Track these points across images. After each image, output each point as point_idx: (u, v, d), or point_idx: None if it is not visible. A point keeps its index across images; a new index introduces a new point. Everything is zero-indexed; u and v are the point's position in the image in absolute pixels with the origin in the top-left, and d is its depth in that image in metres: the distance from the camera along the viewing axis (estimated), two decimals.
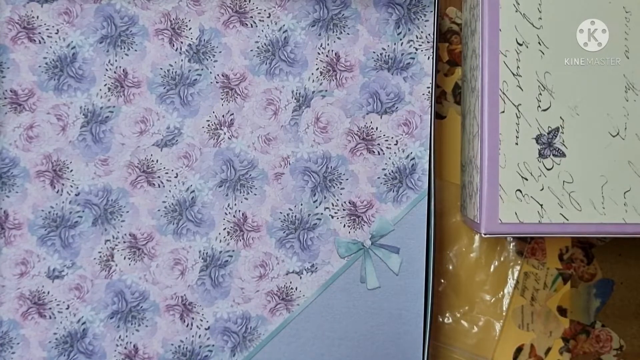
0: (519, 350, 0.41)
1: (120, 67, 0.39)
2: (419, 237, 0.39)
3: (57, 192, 0.38)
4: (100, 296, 0.38)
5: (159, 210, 0.39)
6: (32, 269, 0.38)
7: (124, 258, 0.38)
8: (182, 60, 0.39)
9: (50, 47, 0.38)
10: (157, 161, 0.39)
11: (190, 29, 0.39)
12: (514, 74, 0.34)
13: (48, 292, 0.38)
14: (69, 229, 0.38)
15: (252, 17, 0.39)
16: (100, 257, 0.38)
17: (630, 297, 0.41)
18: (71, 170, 0.38)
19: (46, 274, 0.38)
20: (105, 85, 0.39)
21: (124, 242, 0.38)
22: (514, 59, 0.34)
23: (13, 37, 0.38)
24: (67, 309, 0.38)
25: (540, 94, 0.34)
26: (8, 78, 0.38)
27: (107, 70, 0.39)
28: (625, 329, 0.41)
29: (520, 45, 0.34)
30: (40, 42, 0.38)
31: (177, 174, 0.39)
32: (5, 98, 0.38)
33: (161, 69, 0.39)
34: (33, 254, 0.38)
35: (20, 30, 0.38)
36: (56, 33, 0.39)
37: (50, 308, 0.38)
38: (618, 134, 0.34)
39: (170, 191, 0.39)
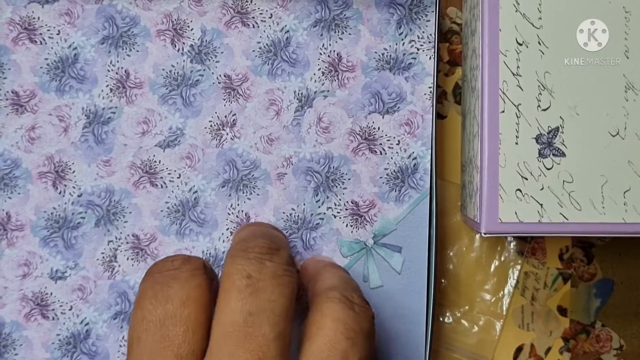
0: (519, 349, 0.41)
1: (122, 67, 0.39)
2: (420, 236, 0.39)
3: (60, 193, 0.38)
4: (103, 297, 0.38)
5: (161, 210, 0.39)
6: (35, 270, 0.38)
7: (127, 259, 0.38)
8: (184, 61, 0.39)
9: (52, 48, 0.38)
10: (159, 162, 0.39)
11: (192, 29, 0.39)
12: (514, 74, 0.34)
13: (51, 294, 0.38)
14: (71, 230, 0.38)
15: (253, 17, 0.39)
16: (103, 258, 0.38)
17: (631, 296, 0.41)
18: (73, 172, 0.38)
19: (49, 275, 0.38)
20: (107, 86, 0.39)
21: (127, 242, 0.38)
22: (514, 59, 0.34)
23: (14, 38, 0.38)
24: (70, 310, 0.38)
25: (540, 93, 0.34)
26: (9, 79, 0.38)
27: (108, 71, 0.39)
28: (625, 329, 0.41)
29: (520, 45, 0.34)
30: (41, 43, 0.38)
31: (179, 174, 0.39)
32: (6, 99, 0.38)
33: (163, 69, 0.39)
34: (36, 255, 0.38)
35: (21, 32, 0.38)
36: (57, 34, 0.38)
37: (53, 309, 0.38)
38: (618, 133, 0.34)
39: (173, 192, 0.39)
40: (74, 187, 0.38)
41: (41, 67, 0.38)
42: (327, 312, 0.30)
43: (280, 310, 0.29)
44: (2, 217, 0.38)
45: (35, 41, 0.38)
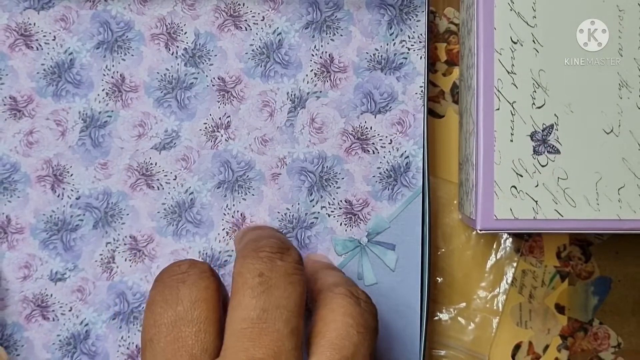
0: (517, 347, 0.41)
1: (117, 72, 0.39)
2: (414, 233, 0.39)
3: (58, 196, 0.39)
4: (102, 298, 0.39)
5: (158, 212, 0.39)
6: (35, 272, 0.39)
7: (125, 260, 0.39)
8: (178, 64, 0.39)
9: (48, 53, 0.39)
10: (155, 164, 0.39)
11: (185, 33, 0.39)
12: (508, 72, 0.34)
13: (51, 295, 0.39)
14: (70, 232, 0.39)
15: (246, 20, 0.39)
16: (101, 259, 0.39)
17: (628, 294, 0.41)
18: (71, 175, 0.39)
19: (49, 277, 0.39)
20: (103, 90, 0.39)
21: (125, 244, 0.39)
22: (508, 57, 0.34)
23: (11, 45, 0.39)
24: (70, 311, 0.39)
25: (535, 91, 0.34)
26: (7, 85, 0.39)
27: (104, 75, 0.39)
28: (622, 327, 0.41)
29: (515, 43, 0.34)
30: (37, 49, 0.39)
31: (175, 176, 0.39)
32: (4, 105, 0.39)
33: (158, 73, 0.39)
34: (35, 257, 0.39)
35: (17, 38, 0.39)
36: (53, 39, 0.39)
37: (53, 310, 0.39)
38: (612, 131, 0.34)
39: (169, 193, 0.39)
40: (72, 190, 0.39)
41: (38, 73, 0.39)
42: (335, 307, 0.30)
43: (293, 307, 0.29)
44: (2, 220, 0.39)
45: (32, 47, 0.39)
